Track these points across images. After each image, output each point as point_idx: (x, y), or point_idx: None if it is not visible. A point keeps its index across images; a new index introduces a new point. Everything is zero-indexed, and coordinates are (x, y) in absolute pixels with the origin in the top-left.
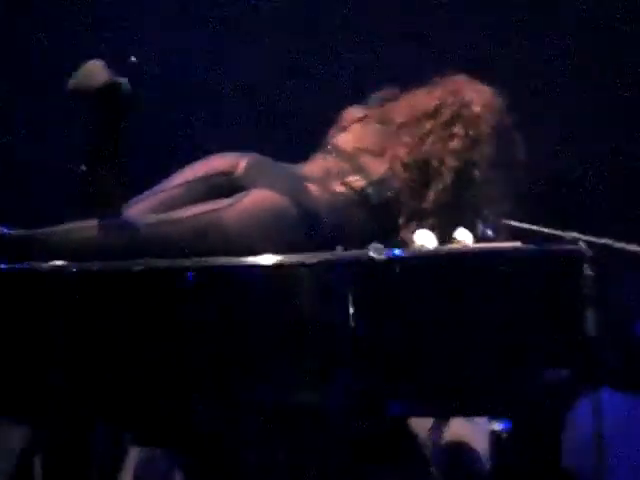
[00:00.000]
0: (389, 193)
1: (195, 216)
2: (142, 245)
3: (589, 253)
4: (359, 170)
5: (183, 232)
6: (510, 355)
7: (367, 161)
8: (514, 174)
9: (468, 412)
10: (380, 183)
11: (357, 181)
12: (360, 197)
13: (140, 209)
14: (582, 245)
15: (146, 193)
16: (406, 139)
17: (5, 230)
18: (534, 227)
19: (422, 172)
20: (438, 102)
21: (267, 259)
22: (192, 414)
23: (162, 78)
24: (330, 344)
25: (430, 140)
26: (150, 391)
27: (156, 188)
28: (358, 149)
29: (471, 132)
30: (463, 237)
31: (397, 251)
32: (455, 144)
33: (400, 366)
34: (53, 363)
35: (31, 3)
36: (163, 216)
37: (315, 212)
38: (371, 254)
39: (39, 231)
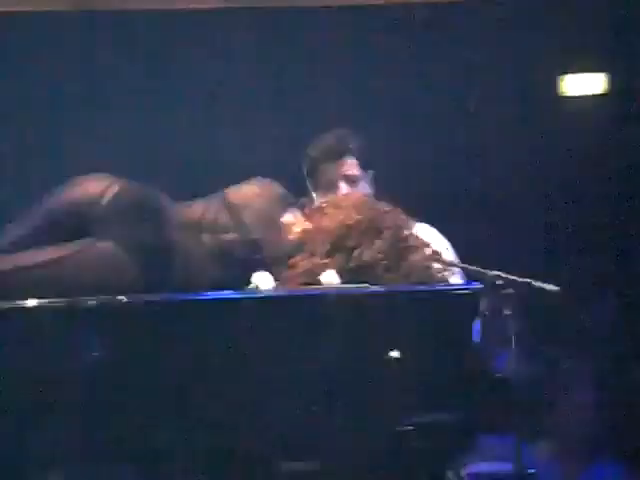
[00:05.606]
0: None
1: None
2: None
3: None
4: (237, 225)
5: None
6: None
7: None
8: None
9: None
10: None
11: (229, 237)
12: (222, 251)
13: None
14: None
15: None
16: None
17: None
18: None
19: None
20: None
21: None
22: None
23: None
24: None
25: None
26: None
27: (26, 215)
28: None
29: None
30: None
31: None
32: None
33: None
34: None
35: None
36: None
37: (165, 264)
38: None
39: None
